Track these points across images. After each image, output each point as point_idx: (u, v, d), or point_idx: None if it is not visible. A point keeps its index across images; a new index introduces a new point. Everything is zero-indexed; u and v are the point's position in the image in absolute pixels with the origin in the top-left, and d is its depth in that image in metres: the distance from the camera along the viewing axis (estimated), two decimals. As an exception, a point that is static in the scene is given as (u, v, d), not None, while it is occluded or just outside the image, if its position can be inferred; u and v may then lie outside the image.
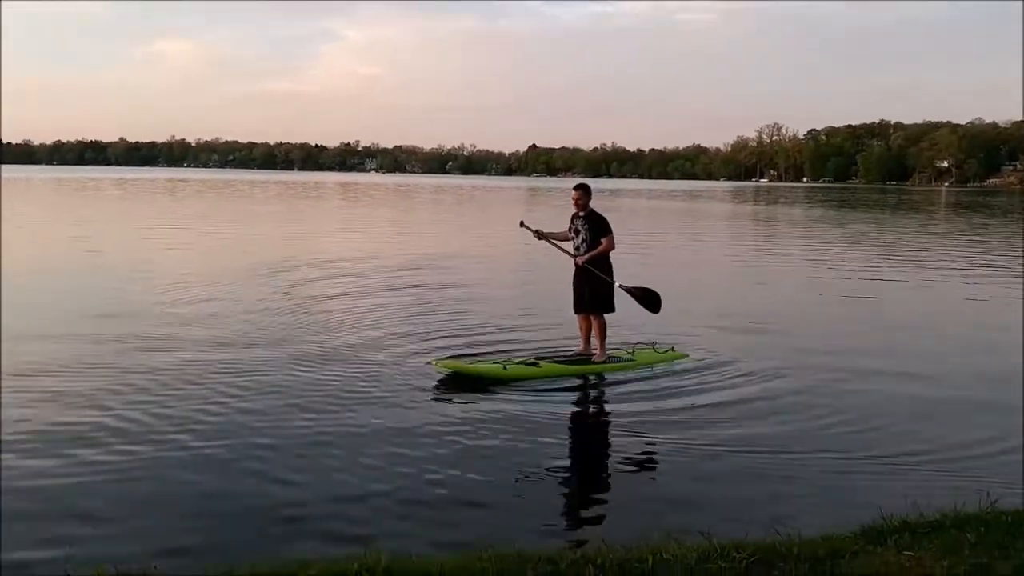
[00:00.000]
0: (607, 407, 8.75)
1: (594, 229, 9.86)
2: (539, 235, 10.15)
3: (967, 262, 23.44)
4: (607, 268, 9.89)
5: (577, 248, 9.97)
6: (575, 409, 8.67)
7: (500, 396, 8.59)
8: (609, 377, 9.48)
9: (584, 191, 9.97)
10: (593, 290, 9.83)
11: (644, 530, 5.02)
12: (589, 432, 8.13)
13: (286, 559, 4.52)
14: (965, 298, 16.44)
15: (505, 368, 9.27)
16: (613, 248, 9.89)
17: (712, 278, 19.56)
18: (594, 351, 9.93)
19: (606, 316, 9.93)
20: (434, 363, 9.51)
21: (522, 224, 10.39)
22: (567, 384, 9.20)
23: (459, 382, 9.02)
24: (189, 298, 14.38)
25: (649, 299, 10.33)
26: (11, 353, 9.67)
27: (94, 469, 6.32)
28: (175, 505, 5.71)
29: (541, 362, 9.62)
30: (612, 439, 7.68)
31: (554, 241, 10.23)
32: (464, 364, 9.46)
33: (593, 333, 9.97)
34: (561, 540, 5.24)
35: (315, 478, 6.23)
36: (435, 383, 9.02)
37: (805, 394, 8.82)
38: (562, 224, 10.38)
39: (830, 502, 5.98)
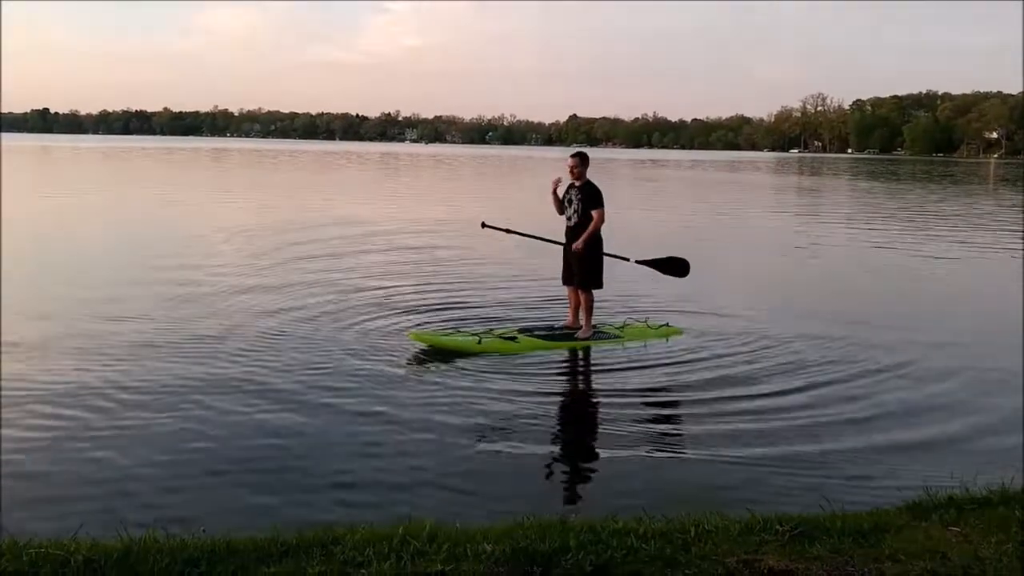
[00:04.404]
0: (601, 383, 8.48)
1: (586, 201, 9.59)
2: (508, 232, 10.29)
3: None
4: (598, 243, 9.65)
5: (569, 219, 9.75)
6: (572, 385, 8.50)
7: (487, 370, 8.39)
8: (596, 353, 9.27)
9: (581, 160, 9.70)
10: (581, 264, 9.59)
11: (670, 504, 4.99)
12: (588, 408, 7.84)
13: (330, 524, 4.57)
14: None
15: (480, 342, 9.07)
16: (603, 223, 9.56)
17: (735, 253, 19.14)
18: (580, 325, 9.77)
19: (595, 291, 9.72)
20: (409, 335, 9.41)
21: (484, 225, 10.30)
22: (553, 358, 8.99)
23: (436, 355, 8.88)
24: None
25: (674, 266, 10.25)
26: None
27: (141, 439, 6.48)
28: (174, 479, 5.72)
29: (520, 336, 9.40)
30: (610, 415, 7.32)
31: (525, 233, 10.25)
32: (438, 337, 9.31)
33: (580, 308, 9.80)
34: (591, 511, 5.15)
35: (308, 453, 6.20)
36: (410, 356, 8.89)
37: (821, 373, 8.51)
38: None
39: (871, 479, 5.90)
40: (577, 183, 9.70)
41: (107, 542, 4.15)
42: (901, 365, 8.85)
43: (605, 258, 9.72)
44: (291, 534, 4.23)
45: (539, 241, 10.32)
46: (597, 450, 6.60)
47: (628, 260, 10.10)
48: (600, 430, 7.06)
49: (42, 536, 4.24)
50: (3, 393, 7.30)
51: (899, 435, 6.82)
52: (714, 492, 5.54)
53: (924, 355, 9.24)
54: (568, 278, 9.88)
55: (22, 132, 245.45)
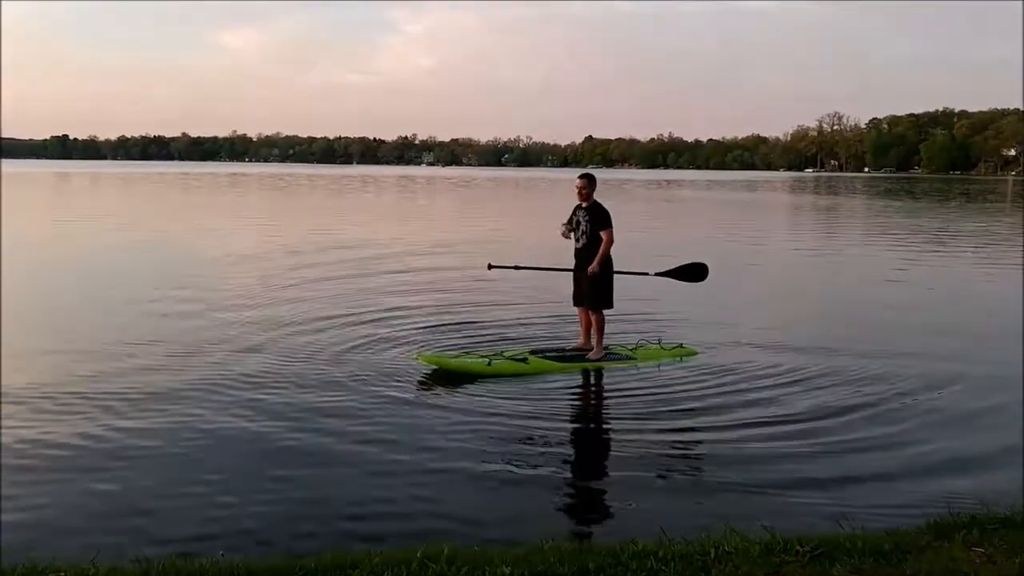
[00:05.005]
0: (614, 405, 8.32)
1: (594, 222, 9.59)
2: (516, 268, 10.58)
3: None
4: (608, 263, 9.60)
5: (577, 240, 9.76)
6: (584, 407, 8.40)
7: (498, 393, 8.33)
8: (608, 374, 9.16)
9: (589, 181, 9.73)
10: (592, 285, 9.55)
11: (695, 526, 4.96)
12: (601, 431, 7.68)
13: (349, 550, 4.56)
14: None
15: (490, 364, 9.01)
16: (612, 243, 9.53)
17: (757, 271, 19.08)
18: (592, 346, 9.69)
19: (606, 312, 9.66)
20: (418, 356, 9.31)
21: (491, 266, 10.38)
22: (565, 380, 8.90)
23: (445, 377, 8.79)
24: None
25: (691, 271, 10.29)
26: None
27: (146, 471, 6.32)
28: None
29: (531, 357, 9.32)
30: (624, 437, 7.23)
31: (533, 267, 10.54)
32: (448, 359, 9.22)
33: (592, 329, 9.76)
34: (609, 535, 5.12)
35: (320, 478, 6.13)
36: (418, 379, 8.79)
37: (833, 396, 8.30)
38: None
39: (893, 499, 5.80)
40: (585, 204, 9.72)
41: (126, 567, 4.17)
42: (929, 390, 8.56)
43: (617, 276, 9.72)
44: (309, 558, 4.24)
45: (549, 271, 10.41)
46: (613, 473, 6.55)
47: (647, 274, 10.08)
48: (615, 453, 7.01)
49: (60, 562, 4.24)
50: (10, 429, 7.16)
51: (921, 459, 6.69)
52: (733, 513, 5.43)
53: (958, 384, 8.80)
54: (579, 299, 9.87)
55: (41, 158, 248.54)
